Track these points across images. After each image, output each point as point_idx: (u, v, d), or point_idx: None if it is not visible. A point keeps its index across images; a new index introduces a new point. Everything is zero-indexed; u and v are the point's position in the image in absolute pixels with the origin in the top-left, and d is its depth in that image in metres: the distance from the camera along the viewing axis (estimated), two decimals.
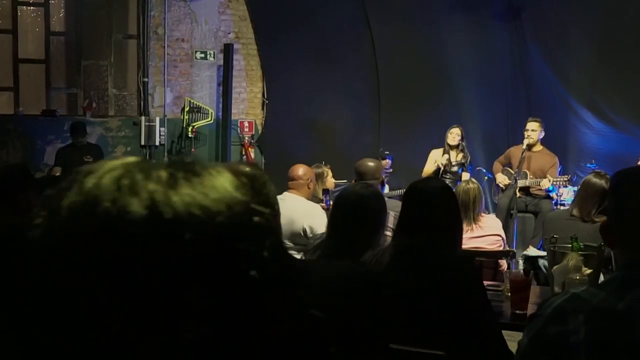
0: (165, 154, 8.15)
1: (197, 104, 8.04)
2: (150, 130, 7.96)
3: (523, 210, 6.41)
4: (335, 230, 2.51)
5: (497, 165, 6.86)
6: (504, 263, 4.01)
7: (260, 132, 8.57)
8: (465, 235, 4.04)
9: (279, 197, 4.82)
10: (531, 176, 6.42)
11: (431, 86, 8.62)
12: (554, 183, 6.10)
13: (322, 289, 1.19)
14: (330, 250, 2.46)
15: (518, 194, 6.43)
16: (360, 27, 8.55)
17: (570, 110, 8.12)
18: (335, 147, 8.56)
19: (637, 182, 1.39)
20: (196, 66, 8.28)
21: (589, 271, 2.52)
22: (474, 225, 4.03)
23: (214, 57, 8.25)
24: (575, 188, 7.38)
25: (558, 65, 8.24)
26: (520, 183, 6.41)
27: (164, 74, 8.14)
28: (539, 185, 6.27)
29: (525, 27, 8.51)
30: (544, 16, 8.33)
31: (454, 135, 6.67)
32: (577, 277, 2.44)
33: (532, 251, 3.99)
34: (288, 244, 4.42)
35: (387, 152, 7.80)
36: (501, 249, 4.10)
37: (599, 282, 2.44)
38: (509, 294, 2.60)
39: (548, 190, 6.20)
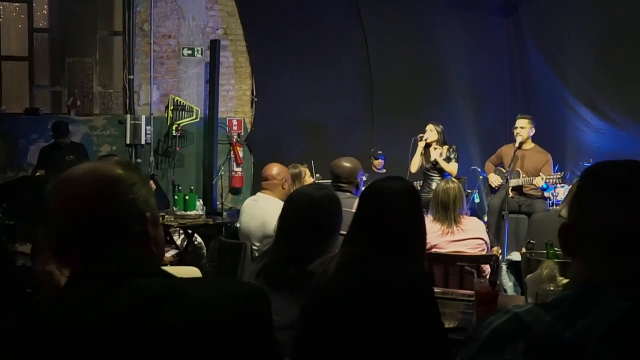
0: (152, 152, 7.96)
1: (182, 101, 7.84)
2: (135, 129, 7.77)
3: (516, 211, 6.18)
4: (283, 235, 2.30)
5: (488, 165, 6.64)
6: (487, 268, 3.80)
7: (249, 130, 8.36)
8: (445, 239, 3.85)
9: (252, 198, 4.64)
10: (524, 175, 6.20)
11: (425, 84, 8.40)
12: (548, 181, 5.87)
13: (196, 313, 0.98)
14: (277, 258, 2.25)
15: (511, 194, 6.20)
16: (352, 23, 8.33)
17: (568, 108, 7.89)
18: (327, 146, 8.34)
19: (610, 185, 1.13)
20: (183, 63, 8.08)
21: (565, 281, 2.30)
22: (454, 228, 3.82)
23: (201, 54, 8.05)
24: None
25: (556, 61, 8.00)
26: (513, 182, 6.18)
27: (150, 71, 7.95)
28: (532, 184, 6.03)
29: (523, 23, 8.29)
30: (542, 12, 8.10)
31: (427, 132, 6.44)
32: (551, 288, 2.22)
33: (515, 256, 3.76)
34: (259, 246, 4.22)
35: (380, 152, 7.58)
36: (484, 253, 3.88)
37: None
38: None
39: (542, 189, 5.97)
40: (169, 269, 4.01)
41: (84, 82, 8.00)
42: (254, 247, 4.22)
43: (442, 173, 6.73)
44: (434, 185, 6.77)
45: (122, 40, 7.97)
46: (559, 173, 5.92)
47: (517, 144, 6.17)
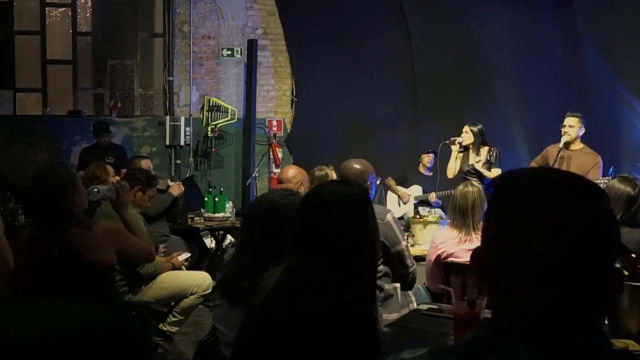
0: (191, 154, 7.95)
1: (217, 102, 7.78)
2: (175, 130, 7.77)
3: None
4: (241, 244, 2.12)
5: (533, 166, 6.23)
6: None
7: (289, 131, 8.23)
8: (462, 247, 3.57)
9: None
10: None
11: (471, 82, 8.04)
12: None
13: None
14: (234, 269, 2.07)
15: None
16: (395, 20, 8.06)
17: (625, 105, 7.37)
18: (369, 147, 8.10)
19: (516, 201, 0.89)
20: (222, 64, 8.03)
21: None
22: (473, 235, 3.54)
23: (240, 54, 7.98)
24: None
25: (612, 55, 7.50)
26: None
27: (190, 73, 7.93)
28: None
29: (578, 15, 7.80)
30: (597, 2, 7.61)
31: (463, 133, 6.10)
32: None
33: None
34: None
35: (432, 150, 7.32)
36: None
37: None
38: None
39: None
40: (177, 274, 3.88)
41: (125, 84, 8.07)
42: None
43: (483, 177, 6.39)
44: None
45: (162, 42, 8.00)
46: (607, 177, 5.46)
47: (562, 144, 5.76)
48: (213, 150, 7.70)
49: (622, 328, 2.07)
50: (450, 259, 3.56)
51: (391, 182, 7.72)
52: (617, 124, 7.48)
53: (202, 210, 5.79)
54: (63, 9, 8.02)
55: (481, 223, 3.59)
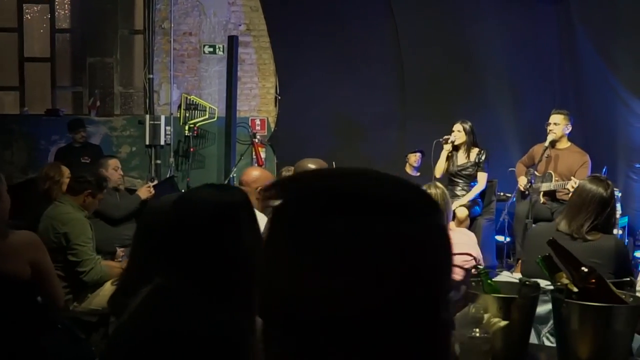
0: (172, 153, 7.73)
1: (196, 100, 7.56)
2: (155, 130, 7.56)
3: (548, 218, 5.47)
4: (131, 254, 1.88)
5: (519, 166, 5.97)
6: None
7: (272, 130, 7.99)
8: None
9: None
10: (557, 178, 5.51)
11: (463, 80, 7.78)
12: None
13: None
14: (121, 283, 1.84)
15: (542, 200, 5.53)
16: (383, 16, 7.80)
17: (620, 101, 7.10)
18: (356, 146, 7.88)
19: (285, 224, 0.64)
20: (204, 61, 7.81)
21: (502, 323, 1.77)
22: None
23: (223, 51, 7.75)
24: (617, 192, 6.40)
25: (607, 50, 7.22)
26: (544, 187, 5.52)
27: (171, 70, 7.72)
28: (566, 188, 5.33)
29: (574, 9, 7.52)
30: None
31: (455, 132, 5.84)
32: (476, 334, 1.70)
33: (504, 276, 3.17)
34: None
35: (420, 149, 7.08)
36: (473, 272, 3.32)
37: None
38: None
39: None
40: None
41: (104, 82, 7.87)
42: None
43: (470, 179, 6.14)
44: (458, 192, 6.20)
45: (142, 39, 7.79)
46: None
47: (547, 142, 5.50)
48: (192, 149, 7.47)
49: (572, 353, 1.82)
50: None
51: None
52: (613, 122, 7.21)
53: None
54: (41, 5, 7.83)
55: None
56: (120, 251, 4.50)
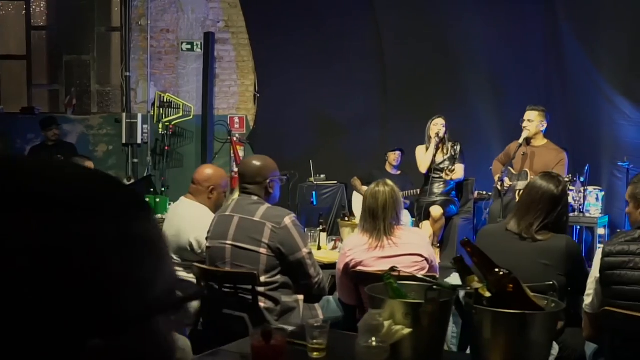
0: (149, 152, 7.62)
1: (170, 98, 7.44)
2: (132, 128, 7.45)
3: None
4: None
5: (496, 164, 5.84)
6: None
7: (252, 128, 7.87)
8: (372, 254, 3.18)
9: (175, 203, 4.13)
10: (532, 176, 5.36)
11: (446, 77, 7.66)
12: None
13: None
14: None
15: (517, 198, 5.38)
16: (364, 12, 7.67)
17: (604, 98, 6.96)
18: (336, 145, 7.76)
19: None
20: (182, 58, 7.69)
21: (406, 331, 1.64)
22: (384, 241, 3.15)
23: (201, 48, 7.63)
24: (598, 191, 6.25)
25: (592, 47, 7.07)
26: (520, 185, 5.37)
27: (148, 68, 7.60)
28: None
29: (558, 5, 7.39)
30: None
31: (438, 127, 5.72)
32: (372, 343, 1.57)
33: (453, 279, 3.03)
34: (174, 259, 3.70)
35: (398, 147, 6.96)
36: (423, 273, 3.19)
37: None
38: None
39: None
40: None
41: (81, 80, 7.76)
42: None
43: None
44: (436, 189, 6.08)
45: (119, 37, 7.67)
46: (567, 176, 5.05)
47: (521, 139, 5.37)
48: (166, 148, 7.35)
49: None
50: (359, 267, 3.18)
51: (357, 182, 7.35)
52: (597, 119, 7.08)
53: None
54: (17, 2, 7.73)
55: (395, 227, 3.21)
56: None
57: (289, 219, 3.05)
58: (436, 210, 5.83)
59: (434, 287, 1.69)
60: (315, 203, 6.76)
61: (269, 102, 7.76)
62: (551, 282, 1.79)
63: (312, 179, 6.95)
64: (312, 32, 7.61)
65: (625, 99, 6.69)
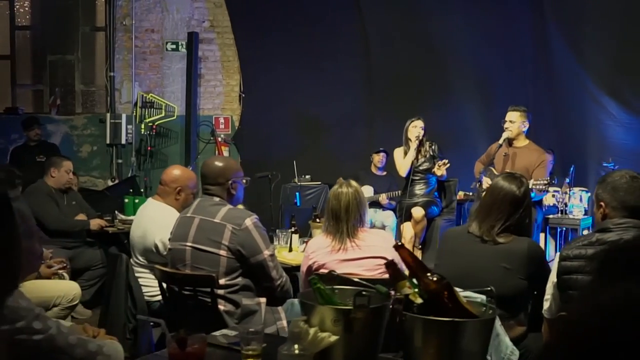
0: (133, 153, 7.57)
1: (153, 98, 7.39)
2: (116, 128, 7.40)
3: None
4: None
5: (478, 165, 5.78)
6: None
7: (237, 128, 7.82)
8: (334, 257, 3.13)
9: (143, 205, 4.08)
10: None
11: (432, 75, 7.59)
12: (533, 187, 4.96)
13: None
14: None
15: None
16: (350, 11, 7.62)
17: (591, 98, 6.92)
18: (323, 144, 7.71)
19: None
20: (167, 58, 7.64)
21: (332, 338, 1.58)
22: (347, 244, 3.09)
23: (186, 48, 7.58)
24: (584, 192, 6.20)
25: (578, 46, 7.02)
26: None
27: (132, 68, 7.55)
28: None
29: (546, 4, 7.34)
30: None
31: (418, 130, 5.67)
32: (294, 351, 1.52)
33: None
34: (141, 260, 3.65)
35: (382, 148, 6.91)
36: (387, 276, 3.13)
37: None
38: None
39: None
40: (39, 283, 3.47)
41: (65, 80, 7.71)
42: (136, 261, 3.66)
43: (426, 176, 5.97)
44: (417, 190, 6.02)
45: (104, 36, 7.62)
46: (545, 179, 4.99)
47: (501, 140, 5.31)
48: (149, 148, 7.30)
49: None
50: (321, 270, 3.12)
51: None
52: (584, 119, 7.04)
53: (116, 212, 5.41)
54: (0, 2, 7.68)
55: (359, 230, 3.16)
56: (47, 252, 4.33)
57: (250, 221, 3.00)
58: (417, 212, 5.77)
59: (362, 292, 1.64)
60: (298, 204, 6.71)
61: (254, 102, 7.71)
62: (489, 288, 1.73)
63: (296, 180, 6.90)
64: (297, 32, 7.56)
65: (612, 99, 6.64)
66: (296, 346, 1.52)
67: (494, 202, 2.79)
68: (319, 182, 7.08)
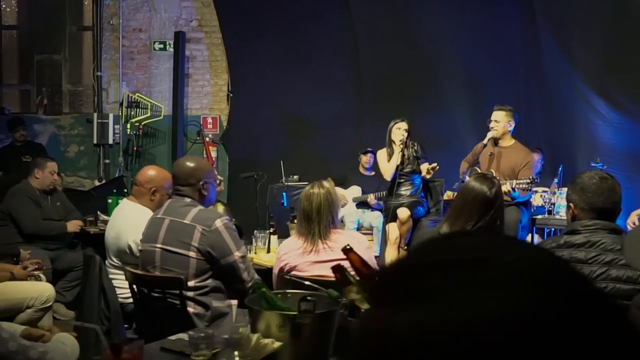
0: (121, 153, 7.53)
1: (138, 97, 7.35)
2: (103, 128, 7.36)
3: None
4: None
5: (463, 165, 5.74)
6: None
7: (225, 128, 7.78)
8: (306, 259, 3.09)
9: (118, 205, 4.04)
10: (498, 177, 5.24)
11: (421, 74, 7.55)
12: (516, 187, 4.92)
13: None
14: None
15: None
16: (339, 11, 7.58)
17: (581, 98, 6.87)
18: (310, 145, 7.67)
19: None
20: (155, 58, 7.60)
21: (276, 344, 1.54)
22: (319, 245, 3.05)
23: (173, 48, 7.54)
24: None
25: (568, 46, 6.97)
26: None
27: (120, 67, 7.51)
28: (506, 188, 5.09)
29: (537, 3, 7.31)
30: None
31: (402, 131, 5.62)
32: (235, 358, 1.48)
33: None
34: (115, 262, 3.62)
35: (370, 149, 6.86)
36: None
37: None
38: None
39: (513, 197, 5.02)
40: (13, 284, 3.44)
41: (53, 80, 7.67)
42: (111, 262, 3.62)
43: (411, 177, 5.92)
44: (403, 191, 5.97)
45: (91, 36, 7.58)
46: (527, 179, 4.95)
47: (486, 140, 5.27)
48: (135, 148, 7.26)
49: None
50: (293, 272, 3.08)
51: (330, 183, 7.24)
52: (574, 119, 7.00)
53: (98, 212, 5.37)
54: None
55: (331, 231, 3.12)
56: (25, 253, 4.29)
57: (220, 222, 2.96)
58: (403, 212, 5.72)
59: (307, 298, 1.60)
60: (286, 204, 6.66)
61: (242, 102, 7.67)
62: None
63: (283, 180, 6.86)
64: (286, 32, 7.52)
65: (601, 99, 6.60)
66: (236, 353, 1.48)
67: (465, 203, 2.76)
68: (306, 182, 7.03)
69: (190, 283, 2.94)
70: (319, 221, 3.06)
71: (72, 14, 7.62)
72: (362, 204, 7.17)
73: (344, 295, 1.59)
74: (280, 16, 7.50)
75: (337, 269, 1.64)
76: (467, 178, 5.29)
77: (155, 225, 3.07)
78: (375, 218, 6.76)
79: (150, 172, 3.76)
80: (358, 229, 7.15)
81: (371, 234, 7.15)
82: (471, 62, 7.58)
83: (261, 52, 7.50)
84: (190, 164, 3.16)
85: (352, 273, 1.61)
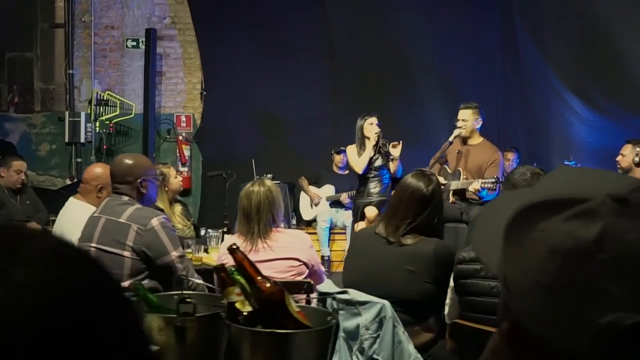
0: (93, 151, 7.44)
1: (108, 96, 7.27)
2: (75, 127, 7.27)
3: (457, 219, 5.17)
4: None
5: (431, 162, 5.65)
6: (302, 301, 2.92)
7: (198, 126, 7.70)
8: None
9: (65, 204, 3.96)
10: (465, 176, 5.19)
11: (397, 76, 7.51)
12: (483, 185, 4.85)
13: None
14: None
15: (452, 199, 5.22)
16: (314, 8, 7.51)
17: (556, 95, 6.84)
18: (285, 143, 7.60)
19: None
20: (127, 55, 7.51)
21: (153, 348, 1.47)
22: (259, 244, 2.98)
23: (145, 45, 7.45)
24: None
25: (543, 43, 6.92)
26: (453, 185, 5.20)
27: (92, 65, 7.42)
28: (469, 190, 5.03)
29: (513, 2, 7.26)
30: None
31: (375, 127, 5.54)
32: None
33: (327, 285, 2.84)
34: None
35: (343, 148, 6.76)
36: (301, 278, 3.01)
37: None
38: None
39: (480, 196, 4.95)
40: None
41: (24, 77, 7.58)
42: None
43: (380, 172, 5.84)
44: (372, 188, 5.89)
45: (63, 33, 7.49)
46: (493, 178, 4.88)
47: (451, 138, 5.20)
48: (104, 147, 7.18)
49: None
50: None
51: (304, 182, 7.19)
52: (549, 116, 6.97)
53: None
54: None
55: (272, 230, 3.04)
56: None
57: (156, 220, 2.88)
58: (371, 211, 5.65)
59: (187, 300, 1.52)
60: None
61: (216, 100, 7.59)
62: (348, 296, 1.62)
63: (255, 179, 6.77)
64: (260, 29, 7.44)
65: (576, 97, 6.55)
66: None
67: (401, 200, 2.68)
68: (278, 181, 6.95)
69: (125, 283, 2.86)
70: (258, 220, 2.99)
71: (44, 11, 7.53)
72: (335, 203, 7.10)
73: (224, 297, 1.51)
74: (255, 13, 7.42)
75: (218, 269, 1.56)
76: (440, 179, 5.23)
77: (92, 224, 2.99)
78: (348, 217, 6.69)
79: (97, 169, 3.68)
80: (331, 228, 7.09)
81: (344, 233, 7.09)
82: (448, 59, 7.52)
83: (235, 49, 7.42)
84: (128, 161, 3.07)
85: (238, 276, 1.53)
